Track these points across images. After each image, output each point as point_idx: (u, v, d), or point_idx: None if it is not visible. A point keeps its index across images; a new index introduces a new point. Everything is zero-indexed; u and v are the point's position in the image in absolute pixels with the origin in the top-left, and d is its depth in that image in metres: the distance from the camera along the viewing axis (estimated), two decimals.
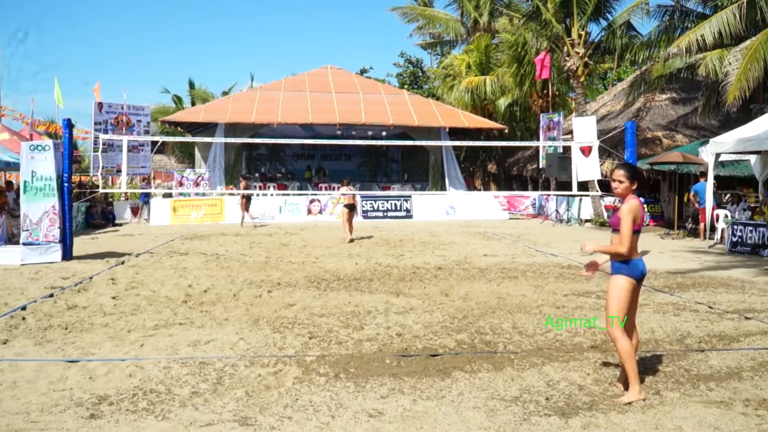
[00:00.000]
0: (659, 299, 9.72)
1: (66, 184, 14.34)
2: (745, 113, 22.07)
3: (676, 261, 14.33)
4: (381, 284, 11.03)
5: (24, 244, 13.97)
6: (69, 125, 14.88)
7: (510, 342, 7.18)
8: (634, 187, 5.39)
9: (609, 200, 24.68)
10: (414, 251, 15.91)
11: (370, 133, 31.14)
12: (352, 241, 17.83)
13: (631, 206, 5.28)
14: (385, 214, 27.29)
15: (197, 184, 28.31)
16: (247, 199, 23.53)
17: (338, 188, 20.49)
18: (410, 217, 27.77)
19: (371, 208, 27.48)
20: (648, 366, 6.25)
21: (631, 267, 5.31)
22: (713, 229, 18.22)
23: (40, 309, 8.92)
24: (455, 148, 32.29)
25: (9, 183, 24.63)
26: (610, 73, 44.76)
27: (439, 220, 26.99)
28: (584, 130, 17.71)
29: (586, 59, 25.71)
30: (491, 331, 7.64)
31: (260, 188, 30.44)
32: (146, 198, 27.10)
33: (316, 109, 30.76)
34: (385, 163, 37.29)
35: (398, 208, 27.86)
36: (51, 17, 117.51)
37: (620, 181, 5.42)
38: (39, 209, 13.98)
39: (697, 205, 19.13)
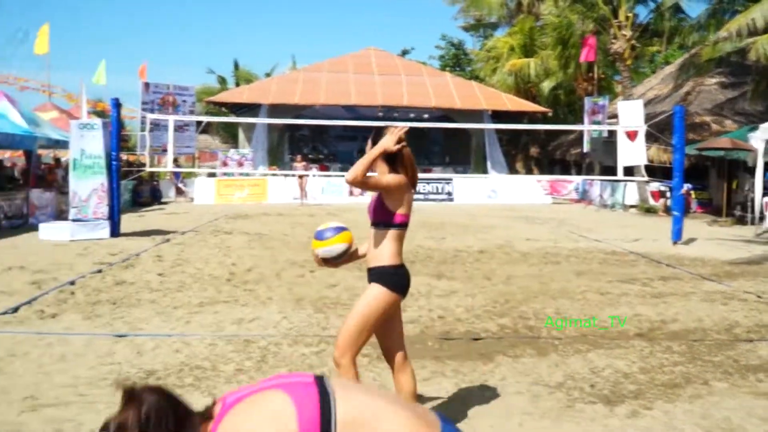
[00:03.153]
0: (707, 287, 9.57)
1: (114, 162, 14.57)
2: None
3: (723, 249, 14.07)
4: (423, 267, 11.02)
5: (73, 220, 14.25)
6: (117, 105, 15.08)
7: (553, 327, 7.13)
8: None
9: (655, 186, 24.30)
10: (455, 234, 15.86)
11: (411, 115, 31.04)
12: None
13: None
14: (426, 196, 27.19)
15: (241, 164, 28.52)
16: (302, 178, 23.75)
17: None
18: (451, 200, 27.66)
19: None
20: (696, 355, 6.17)
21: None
22: (763, 217, 17.85)
23: (88, 284, 9.10)
24: (498, 130, 32.00)
25: (57, 160, 25.10)
26: (658, 56, 43.96)
27: (481, 204, 26.83)
28: (630, 114, 17.41)
29: (633, 42, 25.27)
30: (534, 316, 7.59)
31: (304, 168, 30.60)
32: (178, 177, 27.36)
33: (358, 91, 30.74)
34: (426, 146, 37.10)
35: (439, 191, 27.77)
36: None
37: None
38: (88, 186, 14.23)
39: None
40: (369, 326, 3.95)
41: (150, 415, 1.84)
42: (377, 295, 3.90)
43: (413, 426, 2.02)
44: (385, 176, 3.95)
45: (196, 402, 4.78)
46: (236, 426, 1.95)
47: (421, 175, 22.83)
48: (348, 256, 4.31)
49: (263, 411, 1.98)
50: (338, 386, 2.08)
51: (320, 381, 2.08)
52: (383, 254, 4.00)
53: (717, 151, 21.49)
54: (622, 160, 16.07)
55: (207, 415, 2.00)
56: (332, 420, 1.96)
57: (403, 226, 4.07)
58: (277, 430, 1.93)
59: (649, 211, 23.64)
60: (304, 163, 24.63)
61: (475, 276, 10.23)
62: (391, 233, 4.02)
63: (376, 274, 3.99)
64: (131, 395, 1.88)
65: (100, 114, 30.53)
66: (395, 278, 3.98)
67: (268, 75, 48.30)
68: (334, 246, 4.16)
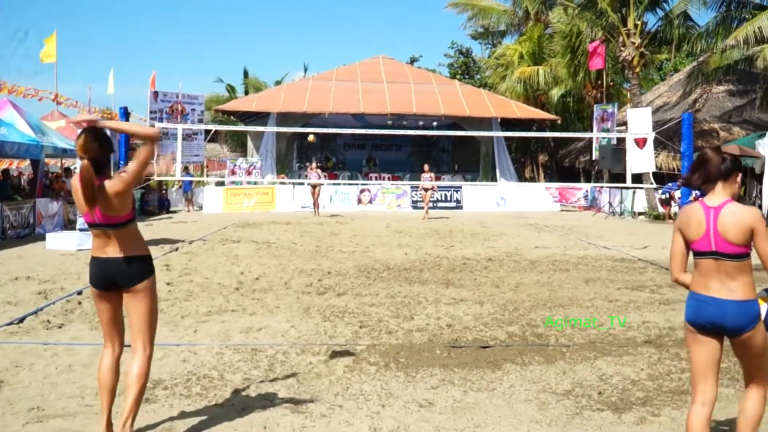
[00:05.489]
0: None
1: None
2: None
3: None
4: (431, 274, 11.01)
5: (80, 230, 14.29)
6: (126, 113, 15.16)
7: (562, 335, 7.11)
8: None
9: (658, 193, 24.23)
10: (464, 242, 15.84)
11: (421, 123, 31.06)
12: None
13: None
14: (435, 204, 27.15)
15: (249, 173, 28.58)
16: (315, 187, 23.51)
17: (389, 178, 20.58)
18: (460, 207, 27.64)
19: (421, 198, 27.44)
20: None
21: None
22: None
23: None
24: (506, 138, 31.99)
25: (67, 170, 25.20)
26: (666, 63, 43.87)
27: (490, 211, 26.80)
28: (639, 121, 17.45)
29: (642, 49, 25.23)
30: (542, 324, 7.57)
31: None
32: (188, 187, 27.33)
33: (367, 99, 30.78)
34: (435, 154, 37.05)
35: (448, 198, 27.76)
36: (111, 8, 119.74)
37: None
38: None
39: None
40: None
41: None
42: None
43: None
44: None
45: (204, 411, 4.81)
46: None
47: (429, 184, 22.91)
48: None
49: None
50: None
51: None
52: None
53: None
54: (631, 167, 16.05)
55: None
56: None
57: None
58: None
59: (658, 218, 23.57)
60: (317, 172, 24.40)
61: (484, 284, 10.21)
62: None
63: None
64: None
65: None
66: None
67: (278, 83, 48.45)
68: None
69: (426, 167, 23.85)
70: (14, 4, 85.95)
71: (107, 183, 4.05)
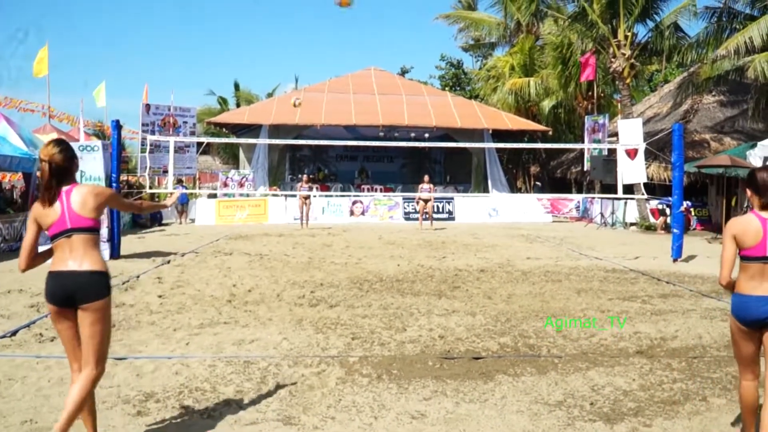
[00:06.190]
0: (706, 304, 9.56)
1: (114, 184, 14.61)
2: None
3: None
4: (423, 286, 11.02)
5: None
6: (118, 126, 15.15)
7: (554, 346, 7.12)
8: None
9: (655, 203, 24.32)
10: (456, 253, 15.86)
11: (412, 134, 31.12)
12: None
13: None
14: (426, 216, 27.23)
15: (241, 185, 28.57)
16: (306, 199, 23.53)
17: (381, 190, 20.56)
18: (452, 219, 27.66)
19: (413, 210, 27.48)
20: (695, 372, 6.16)
21: None
22: None
23: None
24: (498, 149, 32.06)
25: None
26: (657, 74, 44.09)
27: (482, 223, 26.86)
28: (630, 132, 17.48)
29: (633, 60, 25.36)
30: (534, 335, 7.59)
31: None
32: (185, 199, 27.31)
33: (359, 111, 30.83)
34: (427, 165, 37.12)
35: (440, 210, 27.78)
36: (102, 20, 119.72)
37: None
38: None
39: None
40: None
41: None
42: None
43: None
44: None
45: (196, 424, 4.80)
46: None
47: (421, 195, 22.96)
48: None
49: None
50: None
51: None
52: None
53: (716, 168, 21.53)
54: (623, 178, 16.11)
55: None
56: None
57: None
58: None
59: (650, 228, 23.65)
60: (309, 185, 24.41)
61: (476, 295, 10.22)
62: None
63: None
64: None
65: (100, 136, 30.68)
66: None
67: (270, 95, 48.53)
68: None
69: (426, 178, 23.96)
70: (4, 15, 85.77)
71: (86, 187, 4.23)
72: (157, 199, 26.88)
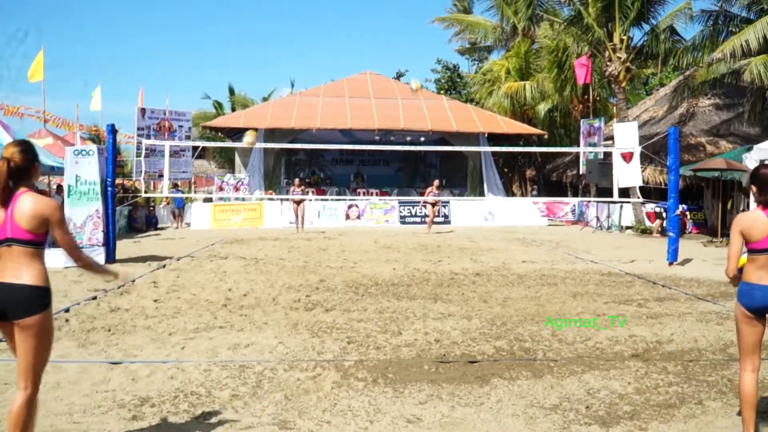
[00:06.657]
0: (702, 308, 9.57)
1: (110, 189, 14.59)
2: None
3: (719, 269, 14.03)
4: (419, 290, 11.02)
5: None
6: (113, 131, 15.13)
7: (549, 349, 7.12)
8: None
9: (650, 207, 24.35)
10: (452, 257, 15.86)
11: (408, 138, 31.14)
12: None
13: None
14: (423, 219, 27.20)
15: (237, 189, 28.55)
16: (299, 204, 23.54)
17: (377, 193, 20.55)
18: (448, 222, 27.67)
19: (409, 214, 27.49)
20: (691, 375, 6.17)
21: None
22: None
23: (83, 311, 9.08)
24: (494, 153, 32.09)
25: (60, 187, 25.08)
26: (653, 78, 44.18)
27: (478, 226, 26.85)
28: (625, 135, 17.54)
29: (628, 64, 25.41)
30: (530, 338, 7.59)
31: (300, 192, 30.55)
32: (181, 203, 27.30)
33: (354, 115, 30.83)
34: (423, 169, 37.17)
35: (436, 213, 27.77)
36: (97, 24, 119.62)
37: None
38: (83, 213, 14.23)
39: None
40: None
41: None
42: None
43: None
44: None
45: (192, 428, 4.79)
46: None
47: (417, 198, 22.98)
48: None
49: None
50: None
51: None
52: None
53: (712, 171, 21.58)
54: (618, 182, 16.14)
55: None
56: None
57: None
58: None
59: (645, 232, 23.68)
60: (302, 188, 24.39)
61: (472, 299, 10.22)
62: None
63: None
64: None
65: (96, 140, 30.63)
66: None
67: (265, 99, 48.50)
68: None
69: (436, 183, 24.36)
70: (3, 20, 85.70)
71: (33, 196, 3.96)
72: (152, 204, 26.87)
